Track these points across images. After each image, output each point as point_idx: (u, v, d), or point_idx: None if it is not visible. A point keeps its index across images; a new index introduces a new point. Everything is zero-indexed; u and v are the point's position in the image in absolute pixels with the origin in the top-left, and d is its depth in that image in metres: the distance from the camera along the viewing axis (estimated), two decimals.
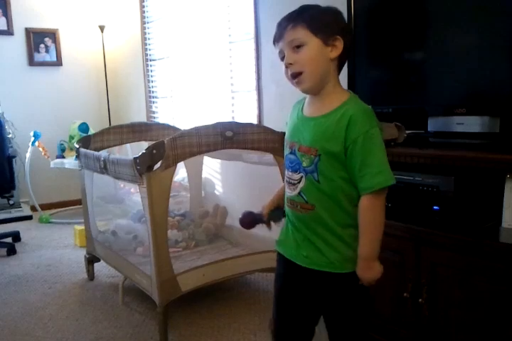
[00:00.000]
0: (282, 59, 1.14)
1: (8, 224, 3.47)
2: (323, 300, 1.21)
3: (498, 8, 1.50)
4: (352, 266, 1.14)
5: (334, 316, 1.22)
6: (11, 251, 3.19)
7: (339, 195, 1.12)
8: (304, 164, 1.13)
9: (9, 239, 3.39)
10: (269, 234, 1.43)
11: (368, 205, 1.10)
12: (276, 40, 1.14)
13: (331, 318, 1.23)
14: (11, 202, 3.56)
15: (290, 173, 1.18)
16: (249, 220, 1.35)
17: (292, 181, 1.17)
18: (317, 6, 1.14)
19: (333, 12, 1.14)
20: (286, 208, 1.23)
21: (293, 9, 1.15)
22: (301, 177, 1.14)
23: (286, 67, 1.13)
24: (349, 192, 1.12)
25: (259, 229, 1.37)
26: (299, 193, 1.15)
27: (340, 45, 1.11)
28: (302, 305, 1.25)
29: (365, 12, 1.88)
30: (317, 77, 1.12)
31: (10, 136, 3.81)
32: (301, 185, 1.15)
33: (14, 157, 3.45)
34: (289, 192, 1.19)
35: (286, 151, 1.20)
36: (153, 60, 4.07)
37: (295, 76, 1.12)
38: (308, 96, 1.20)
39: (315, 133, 1.12)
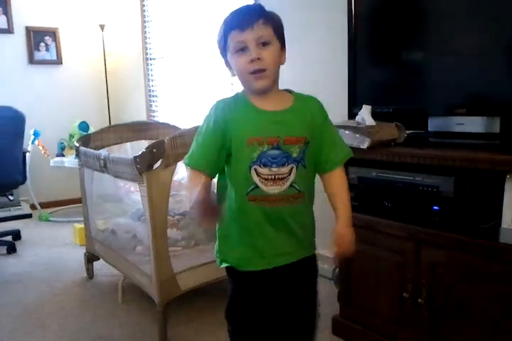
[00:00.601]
0: (240, 49, 1.11)
1: (7, 223, 3.47)
2: (295, 289, 1.27)
3: (498, 9, 1.50)
4: (313, 249, 1.27)
5: (303, 301, 1.28)
6: (11, 249, 3.18)
7: (313, 173, 1.22)
8: (294, 155, 1.15)
9: (9, 237, 3.39)
10: None
11: (343, 174, 1.24)
12: (240, 28, 1.11)
13: (299, 304, 1.28)
14: (11, 198, 3.56)
15: (275, 169, 1.13)
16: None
17: (280, 176, 1.14)
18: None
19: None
20: (260, 210, 1.16)
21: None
22: (292, 168, 1.15)
23: (253, 61, 1.10)
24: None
25: None
26: (290, 185, 1.16)
27: (284, 55, 1.17)
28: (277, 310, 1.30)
29: (366, 12, 1.88)
30: (274, 77, 1.16)
31: None
32: (292, 176, 1.15)
33: (27, 152, 3.49)
34: (273, 190, 1.14)
35: (262, 148, 1.13)
36: (154, 59, 4.06)
37: (258, 72, 1.11)
38: (252, 95, 1.17)
39: (300, 123, 1.17)
